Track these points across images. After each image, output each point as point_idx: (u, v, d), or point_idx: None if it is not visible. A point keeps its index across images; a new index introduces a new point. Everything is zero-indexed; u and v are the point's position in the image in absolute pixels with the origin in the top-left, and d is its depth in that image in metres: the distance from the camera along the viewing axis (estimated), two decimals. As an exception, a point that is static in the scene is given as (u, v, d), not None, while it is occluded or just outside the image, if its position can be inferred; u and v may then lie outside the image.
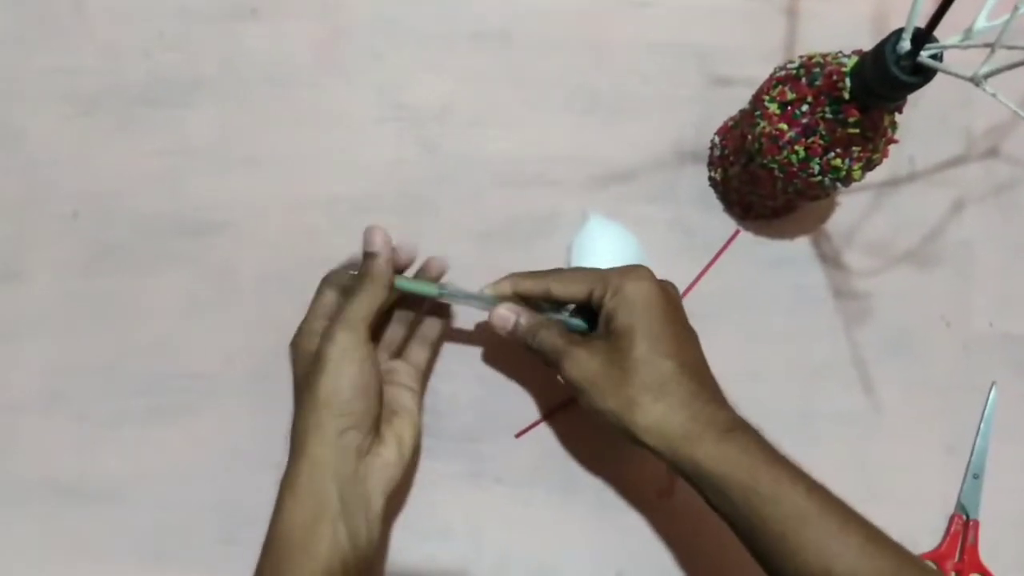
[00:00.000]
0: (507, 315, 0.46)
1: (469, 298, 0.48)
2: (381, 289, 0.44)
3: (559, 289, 0.46)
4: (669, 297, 0.44)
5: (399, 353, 0.50)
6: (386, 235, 0.45)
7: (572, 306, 0.48)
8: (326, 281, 0.47)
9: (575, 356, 0.43)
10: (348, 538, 0.42)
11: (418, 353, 0.50)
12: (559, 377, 0.45)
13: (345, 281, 0.47)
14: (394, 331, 0.50)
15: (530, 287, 0.46)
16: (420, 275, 0.49)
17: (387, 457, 0.44)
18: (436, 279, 0.49)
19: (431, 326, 0.50)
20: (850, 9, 0.58)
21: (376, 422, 0.45)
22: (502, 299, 0.47)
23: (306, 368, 0.45)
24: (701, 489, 0.41)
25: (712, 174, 0.56)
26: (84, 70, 0.56)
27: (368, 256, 0.45)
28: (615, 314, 0.43)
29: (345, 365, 0.43)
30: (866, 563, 0.37)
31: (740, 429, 0.41)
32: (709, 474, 0.40)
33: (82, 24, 0.57)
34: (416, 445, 0.47)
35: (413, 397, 0.48)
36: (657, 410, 0.41)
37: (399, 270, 0.48)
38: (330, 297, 0.47)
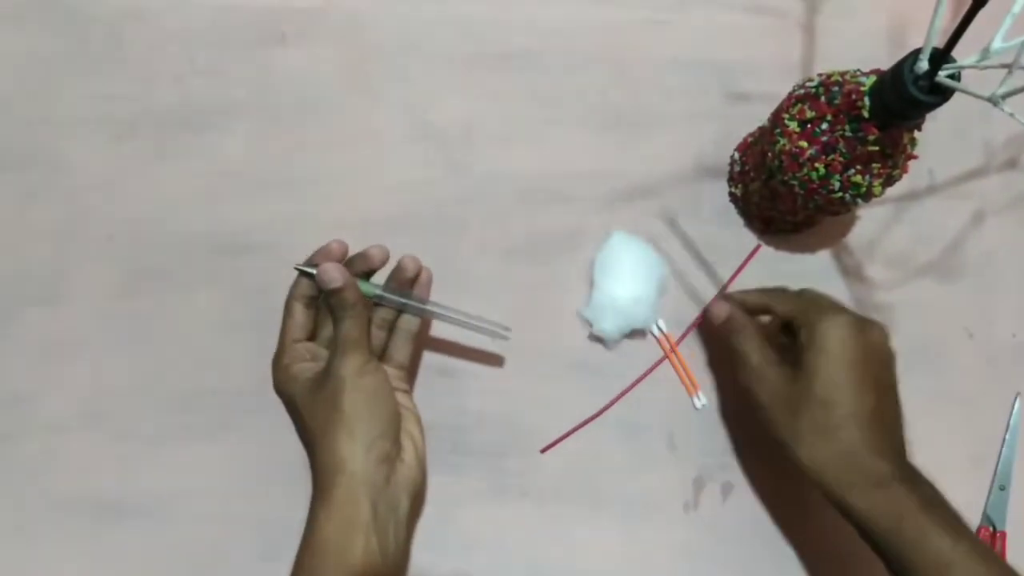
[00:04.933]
0: (722, 307, 0.49)
1: (406, 303, 0.49)
2: (361, 309, 0.46)
3: (777, 306, 0.49)
4: (865, 343, 0.45)
5: (381, 355, 0.51)
6: (338, 265, 0.46)
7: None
8: (293, 297, 0.49)
9: (765, 377, 0.46)
10: (379, 547, 0.43)
11: (400, 350, 0.51)
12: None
13: (309, 290, 0.48)
14: (373, 335, 0.50)
15: (754, 300, 0.50)
16: (395, 274, 0.50)
17: (408, 460, 0.47)
18: (412, 278, 0.50)
19: (409, 319, 0.51)
20: (867, 25, 0.58)
21: (398, 428, 0.47)
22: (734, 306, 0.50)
23: (308, 394, 0.46)
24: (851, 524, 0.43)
25: (732, 189, 0.57)
26: (120, 97, 0.58)
27: (332, 293, 0.46)
28: (806, 350, 0.45)
29: (362, 380, 0.45)
30: None
31: (898, 481, 0.42)
32: (855, 517, 0.42)
33: (117, 52, 0.58)
34: (424, 439, 0.49)
35: (406, 396, 0.50)
36: (820, 453, 0.43)
37: (372, 270, 0.49)
38: (300, 314, 0.48)
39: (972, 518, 0.53)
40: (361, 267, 0.49)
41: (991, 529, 0.53)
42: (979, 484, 0.54)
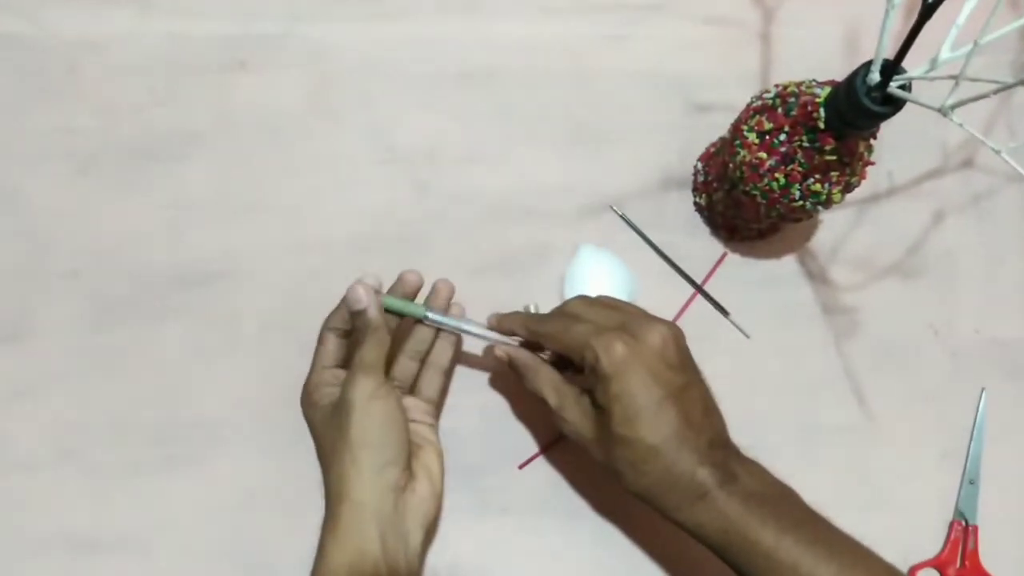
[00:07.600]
0: (500, 355, 0.48)
1: (455, 325, 0.49)
2: (383, 334, 0.46)
3: (547, 343, 0.47)
4: (642, 355, 0.42)
5: (411, 388, 0.51)
6: (367, 286, 0.46)
7: None
8: (327, 327, 0.49)
9: (566, 419, 0.45)
10: None
11: (430, 384, 0.51)
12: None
13: (341, 324, 0.49)
14: (404, 366, 0.51)
15: (526, 335, 0.48)
16: (431, 299, 0.50)
17: (421, 492, 0.46)
18: (446, 301, 0.50)
19: (441, 353, 0.51)
20: (822, 33, 0.59)
21: (408, 456, 0.46)
22: (495, 329, 0.49)
23: (326, 419, 0.47)
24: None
25: (697, 199, 0.57)
26: (80, 130, 0.57)
27: (357, 314, 0.46)
28: (595, 389, 0.43)
29: (371, 405, 0.45)
30: None
31: (717, 486, 0.41)
32: (687, 532, 0.42)
33: (76, 85, 0.57)
34: (443, 474, 0.49)
35: (431, 430, 0.50)
36: (639, 483, 0.42)
37: (409, 295, 0.50)
38: (332, 343, 0.49)
39: (945, 513, 0.54)
40: (399, 293, 0.49)
41: (963, 523, 0.54)
42: (950, 479, 0.55)
